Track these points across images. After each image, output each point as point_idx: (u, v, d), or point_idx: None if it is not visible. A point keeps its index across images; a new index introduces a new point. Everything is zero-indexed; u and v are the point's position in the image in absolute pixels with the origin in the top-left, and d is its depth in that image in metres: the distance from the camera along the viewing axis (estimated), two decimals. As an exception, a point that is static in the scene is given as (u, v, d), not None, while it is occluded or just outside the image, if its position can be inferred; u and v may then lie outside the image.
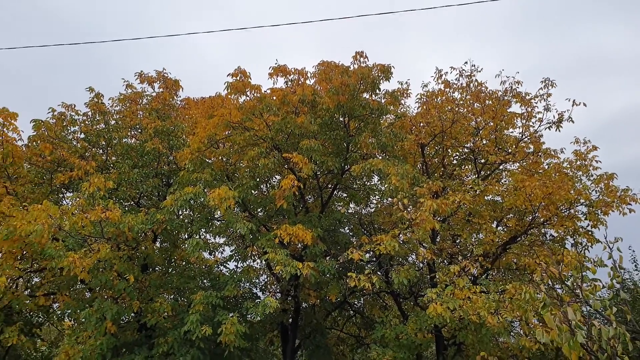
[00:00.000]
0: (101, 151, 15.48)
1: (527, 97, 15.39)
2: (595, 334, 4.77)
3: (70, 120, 14.64)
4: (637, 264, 17.74)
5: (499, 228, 15.35)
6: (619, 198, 13.11)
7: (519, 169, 15.56)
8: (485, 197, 14.77)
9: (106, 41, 10.83)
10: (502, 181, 16.33)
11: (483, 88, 15.95)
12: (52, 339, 17.74)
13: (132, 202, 15.32)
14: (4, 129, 13.17)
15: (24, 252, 14.04)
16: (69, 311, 14.49)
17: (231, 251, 15.77)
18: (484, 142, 15.62)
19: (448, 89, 16.08)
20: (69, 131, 14.91)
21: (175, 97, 16.66)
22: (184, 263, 15.81)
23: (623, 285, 17.46)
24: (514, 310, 11.27)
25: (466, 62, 16.12)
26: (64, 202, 15.39)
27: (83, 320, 13.48)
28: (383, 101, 14.57)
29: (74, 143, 14.86)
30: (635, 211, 13.05)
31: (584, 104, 14.35)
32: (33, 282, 15.25)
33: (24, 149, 14.32)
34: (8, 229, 12.23)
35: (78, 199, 12.47)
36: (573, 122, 15.03)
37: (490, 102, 15.61)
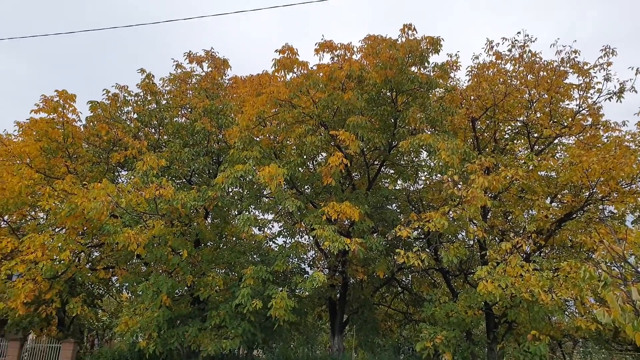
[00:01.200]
0: (153, 130, 16.00)
1: (585, 67, 14.57)
2: None
3: (124, 101, 15.18)
4: None
5: (553, 204, 14.87)
6: (687, 173, 12.41)
7: (576, 143, 14.92)
8: (539, 173, 14.31)
9: (158, 22, 11.09)
10: (557, 156, 15.71)
11: (537, 59, 15.20)
12: (111, 310, 18.89)
13: (184, 180, 15.82)
14: (64, 111, 13.85)
15: (85, 228, 14.89)
16: (127, 284, 15.36)
17: (280, 227, 16.12)
18: (538, 115, 15.02)
19: (500, 61, 15.44)
20: (123, 111, 15.49)
21: (223, 76, 16.89)
22: (234, 239, 16.28)
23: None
24: (569, 289, 11.02)
25: (519, 32, 15.41)
26: (120, 180, 16.12)
27: (140, 293, 14.25)
28: (432, 74, 14.20)
29: (128, 123, 15.44)
30: None
31: (649, 72, 13.50)
32: (93, 256, 16.20)
33: (82, 129, 15.03)
34: (70, 206, 12.99)
35: (133, 177, 13.04)
36: (637, 92, 14.22)
37: (545, 73, 14.90)
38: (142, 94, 15.58)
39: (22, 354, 16.08)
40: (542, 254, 15.10)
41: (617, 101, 14.48)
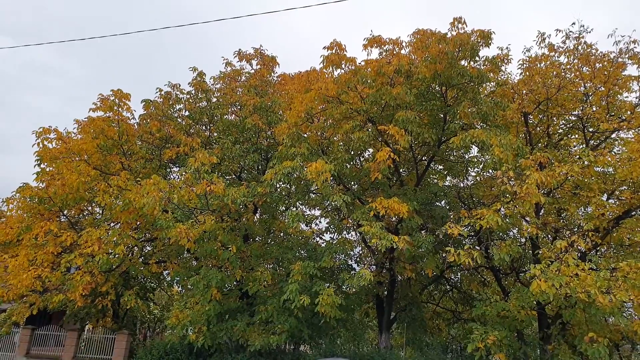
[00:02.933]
0: (204, 128, 16.49)
1: (647, 58, 14.10)
2: None
3: (176, 98, 15.69)
4: None
5: (610, 201, 14.43)
6: None
7: (635, 137, 14.39)
8: (595, 169, 13.90)
9: (209, 21, 11.46)
10: (615, 151, 15.20)
11: (593, 50, 14.72)
12: (162, 304, 19.60)
13: (234, 176, 16.21)
14: (119, 109, 14.48)
15: (138, 223, 15.50)
16: (178, 278, 15.88)
17: (326, 223, 16.28)
18: (594, 108, 14.53)
19: (553, 53, 15.05)
20: (175, 109, 16.02)
21: (272, 74, 17.21)
22: (282, 234, 16.56)
23: None
24: (628, 290, 10.68)
25: (574, 23, 14.95)
26: (171, 176, 16.68)
27: (190, 287, 14.71)
28: (482, 68, 14.01)
29: (179, 120, 15.97)
30: None
31: None
32: (146, 251, 16.85)
33: (136, 127, 15.66)
34: (124, 201, 13.54)
35: (185, 174, 13.48)
36: (702, 83, 13.61)
37: (601, 65, 14.40)
38: (193, 91, 16.05)
39: (80, 344, 16.94)
40: (598, 253, 14.65)
41: (680, 93, 13.92)
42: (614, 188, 14.21)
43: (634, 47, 14.15)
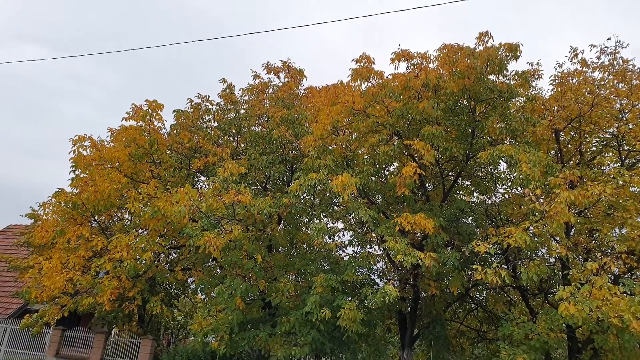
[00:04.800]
0: (232, 138, 16.88)
1: (687, 74, 13.68)
2: None
3: (206, 110, 16.16)
4: None
5: (646, 223, 13.94)
6: None
7: (673, 157, 13.97)
8: (631, 189, 13.50)
9: (242, 34, 11.80)
10: (652, 170, 14.74)
11: (630, 66, 14.37)
12: (186, 311, 19.98)
13: (259, 187, 16.50)
14: (151, 119, 14.98)
15: (166, 230, 15.93)
16: (202, 286, 16.18)
17: (350, 236, 16.32)
18: (630, 126, 14.14)
19: (586, 69, 14.77)
20: (204, 120, 16.49)
21: (299, 86, 17.52)
22: (304, 246, 16.70)
23: None
24: (664, 316, 10.27)
25: (609, 38, 14.70)
26: (198, 185, 17.09)
27: (214, 295, 14.94)
28: (512, 83, 13.88)
29: (208, 131, 16.40)
30: None
31: None
32: (172, 258, 17.28)
33: (166, 136, 16.15)
34: (153, 209, 13.93)
35: (213, 183, 13.78)
36: None
37: (638, 81, 14.11)
38: (222, 103, 16.50)
39: (107, 347, 17.42)
40: (633, 277, 14.16)
41: None
42: (651, 209, 13.72)
43: (674, 63, 13.75)
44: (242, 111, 16.71)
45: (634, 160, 14.56)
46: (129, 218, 17.31)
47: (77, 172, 15.64)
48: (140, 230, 15.97)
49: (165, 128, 15.83)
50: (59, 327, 18.20)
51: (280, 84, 17.28)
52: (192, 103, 16.10)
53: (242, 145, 16.83)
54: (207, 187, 14.44)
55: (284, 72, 17.29)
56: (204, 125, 16.57)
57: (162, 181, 15.46)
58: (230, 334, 13.95)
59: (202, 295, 16.90)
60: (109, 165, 15.30)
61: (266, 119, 16.71)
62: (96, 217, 16.44)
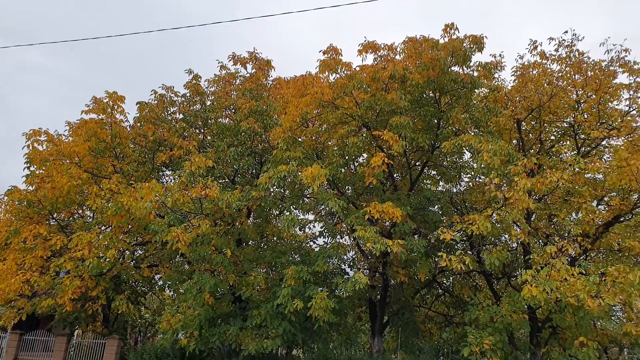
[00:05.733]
0: (198, 131, 16.80)
1: (636, 66, 14.71)
2: None
3: (170, 101, 16.00)
4: None
5: (599, 207, 15.03)
6: None
7: (624, 145, 15.03)
8: (586, 175, 14.50)
9: (205, 24, 11.79)
10: (605, 158, 15.85)
11: (585, 58, 15.31)
12: (154, 308, 19.83)
13: (228, 180, 16.55)
14: (113, 111, 14.74)
15: (130, 227, 15.75)
16: (170, 282, 16.17)
17: (320, 228, 16.68)
18: (586, 116, 15.14)
19: (545, 61, 15.62)
20: (169, 112, 16.32)
21: (267, 77, 17.60)
22: (275, 238, 16.92)
23: None
24: (617, 294, 11.21)
25: (566, 32, 15.55)
26: (164, 179, 16.96)
27: (182, 291, 14.99)
28: (475, 74, 14.55)
29: (173, 123, 16.26)
30: None
31: None
32: (137, 255, 17.11)
33: (129, 129, 15.91)
34: (116, 205, 13.78)
35: (179, 177, 13.76)
36: (690, 92, 14.28)
37: (593, 73, 14.99)
38: (188, 94, 16.38)
39: (69, 349, 17.11)
40: (588, 258, 15.25)
41: (669, 101, 14.57)
42: (604, 194, 14.82)
43: (625, 55, 14.79)
44: (209, 103, 16.68)
45: (589, 148, 15.59)
46: (91, 215, 17.00)
47: (32, 169, 15.20)
48: (103, 227, 15.75)
49: (128, 121, 15.64)
50: (16, 332, 17.73)
51: (248, 75, 17.35)
52: (157, 95, 15.93)
53: (209, 137, 16.82)
54: (173, 181, 14.37)
55: (251, 62, 17.35)
56: (169, 118, 16.42)
57: (126, 176, 15.28)
58: (200, 330, 14.09)
59: (171, 291, 16.87)
60: (67, 161, 14.97)
61: (234, 111, 16.75)
62: (55, 215, 16.06)
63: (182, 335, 14.73)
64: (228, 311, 15.36)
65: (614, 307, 13.93)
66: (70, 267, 14.32)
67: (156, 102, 15.89)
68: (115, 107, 14.66)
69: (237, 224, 15.19)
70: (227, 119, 16.97)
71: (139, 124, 15.86)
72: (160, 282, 16.92)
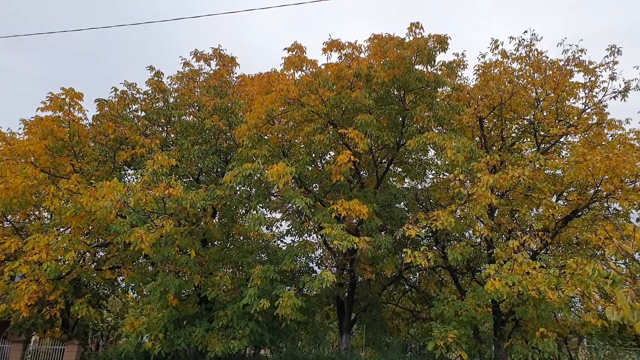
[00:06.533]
0: (161, 129, 16.59)
1: (591, 66, 15.39)
2: None
3: (132, 98, 15.72)
4: None
5: (559, 202, 15.67)
6: (690, 170, 13.18)
7: (581, 141, 15.73)
8: (546, 171, 15.09)
9: (166, 20, 11.67)
10: (563, 154, 16.53)
11: (544, 58, 15.98)
12: (117, 311, 19.43)
13: (192, 179, 16.41)
14: (71, 109, 14.38)
15: (91, 228, 15.40)
16: (133, 284, 15.90)
17: (288, 226, 16.75)
18: (545, 113, 15.78)
19: (506, 60, 16.20)
20: (130, 110, 16.04)
21: (231, 74, 17.54)
22: (241, 238, 16.88)
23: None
24: (576, 286, 11.75)
25: (526, 31, 16.22)
26: (126, 179, 16.65)
27: (146, 293, 14.77)
28: (439, 73, 14.96)
29: (135, 121, 15.99)
30: None
31: (654, 72, 14.32)
32: (98, 257, 16.74)
33: (89, 127, 15.56)
34: (75, 205, 13.46)
35: (142, 176, 13.56)
36: (641, 90, 15.04)
37: (551, 72, 15.66)
38: (150, 91, 16.13)
39: (25, 356, 16.59)
40: (548, 252, 15.87)
41: (622, 100, 15.31)
42: (563, 190, 15.49)
43: (580, 55, 15.47)
44: (172, 100, 16.49)
45: (548, 145, 16.25)
46: (49, 216, 16.52)
47: (-18, 169, 14.61)
48: (61, 229, 15.34)
49: (87, 119, 15.31)
50: (-33, 340, 17.05)
51: (212, 71, 17.25)
52: (117, 92, 15.62)
53: (173, 135, 16.65)
54: (136, 180, 14.15)
55: (215, 59, 17.28)
56: (131, 115, 16.14)
57: (85, 175, 14.95)
58: (165, 332, 13.96)
59: (134, 293, 16.59)
60: (22, 160, 14.50)
61: (198, 108, 16.65)
62: (9, 217, 15.53)
63: (147, 338, 14.54)
64: (194, 312, 15.26)
65: (573, 299, 14.55)
66: (26, 270, 13.88)
67: (117, 99, 15.60)
68: (73, 104, 14.32)
69: (202, 223, 15.11)
70: (191, 116, 16.86)
71: (98, 122, 15.54)
72: (123, 284, 16.60)
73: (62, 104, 14.36)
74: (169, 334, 14.15)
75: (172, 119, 16.09)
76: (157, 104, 16.14)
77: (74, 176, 14.30)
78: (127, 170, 16.99)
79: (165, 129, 16.59)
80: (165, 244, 14.20)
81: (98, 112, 15.43)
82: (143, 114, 16.16)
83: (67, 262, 14.21)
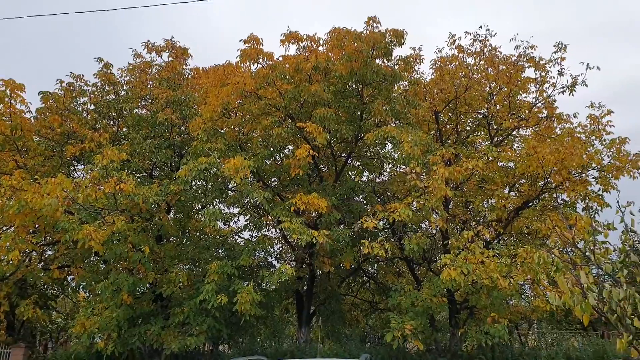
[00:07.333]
0: (112, 122, 16.13)
1: (541, 62, 16.02)
2: (606, 296, 5.07)
3: (80, 91, 15.21)
4: (647, 227, 19.01)
5: (511, 193, 16.34)
6: (631, 162, 14.04)
7: (532, 135, 16.42)
8: (498, 163, 15.69)
9: (115, 9, 11.35)
10: (515, 147, 17.21)
11: (497, 53, 16.52)
12: (67, 311, 18.83)
13: (145, 174, 16.08)
14: (12, 101, 13.75)
15: (37, 226, 14.85)
16: (84, 283, 15.50)
17: (246, 221, 16.71)
18: (498, 107, 16.39)
19: (462, 55, 16.65)
20: (78, 102, 15.50)
21: (185, 66, 17.22)
22: (198, 233, 16.73)
23: (633, 248, 18.66)
24: (525, 273, 12.36)
25: (480, 27, 16.62)
26: (76, 174, 16.12)
27: (99, 292, 14.45)
28: (396, 67, 15.23)
29: (84, 115, 15.48)
30: (646, 175, 14.01)
31: (598, 68, 15.00)
32: (46, 256, 16.17)
33: (33, 121, 14.93)
34: (19, 203, 12.95)
35: (91, 172, 13.18)
36: (587, 85, 15.76)
37: (504, 67, 16.23)
38: (99, 84, 15.66)
39: (-33, 361, 15.93)
40: (500, 241, 16.55)
41: (569, 94, 16.05)
42: (515, 181, 16.17)
43: (532, 51, 16.09)
44: (123, 93, 16.05)
45: (501, 138, 16.88)
46: (-11, 215, 15.76)
47: None
48: (4, 228, 14.70)
49: (30, 112, 14.68)
50: None
51: (164, 63, 16.87)
52: (63, 84, 15.05)
53: (124, 129, 16.22)
54: (85, 176, 13.74)
55: (167, 51, 16.93)
56: (79, 109, 15.60)
57: (30, 171, 14.39)
58: (119, 332, 13.74)
59: (86, 293, 16.16)
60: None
61: (150, 101, 16.31)
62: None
63: (99, 338, 14.23)
64: (149, 310, 15.08)
65: (524, 286, 15.27)
66: (-35, 273, 13.28)
67: (63, 92, 15.04)
68: (14, 96, 13.71)
69: (156, 219, 14.87)
70: (144, 109, 16.51)
71: (44, 115, 14.94)
72: (74, 284, 16.14)
73: (2, 95, 13.73)
74: (123, 332, 13.96)
75: (124, 112, 15.70)
76: (107, 97, 15.68)
77: (17, 172, 13.77)
78: (76, 166, 16.46)
79: (116, 122, 16.17)
80: (117, 241, 13.90)
81: (43, 105, 14.84)
82: (92, 107, 15.67)
83: (10, 262, 13.68)
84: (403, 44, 14.67)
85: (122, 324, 13.79)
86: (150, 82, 16.46)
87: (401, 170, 16.97)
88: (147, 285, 14.91)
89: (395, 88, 15.80)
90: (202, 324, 13.94)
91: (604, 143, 14.99)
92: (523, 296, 16.10)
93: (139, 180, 14.95)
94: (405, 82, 16.07)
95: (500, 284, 11.91)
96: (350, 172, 17.49)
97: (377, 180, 18.14)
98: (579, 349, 15.49)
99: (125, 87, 16.27)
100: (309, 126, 13.01)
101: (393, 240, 15.44)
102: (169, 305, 14.93)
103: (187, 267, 15.78)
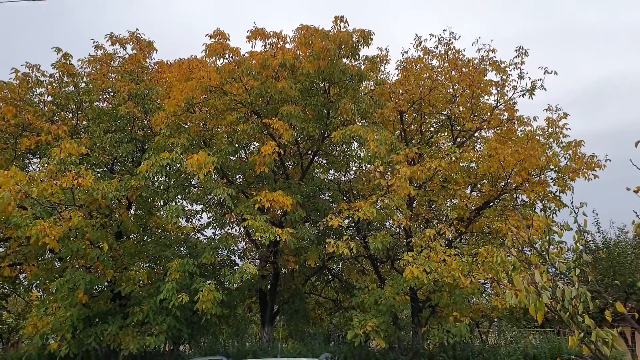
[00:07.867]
0: (71, 115, 15.64)
1: (502, 65, 16.53)
2: (559, 295, 5.17)
3: (36, 81, 14.68)
4: (600, 227, 19.99)
5: (473, 193, 16.76)
6: (585, 164, 14.65)
7: (494, 136, 16.89)
8: (461, 164, 16.06)
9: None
10: (477, 148, 17.66)
11: (461, 56, 16.95)
12: (18, 311, 18.09)
13: (105, 169, 15.67)
14: (-38, 91, 13.13)
15: (-14, 221, 14.22)
16: (38, 282, 14.94)
17: (209, 218, 16.50)
18: (461, 109, 16.78)
19: (427, 56, 16.98)
20: (35, 94, 14.96)
21: (149, 59, 16.88)
22: (159, 231, 16.42)
23: (586, 248, 19.49)
24: (486, 272, 12.70)
25: (445, 30, 17.06)
26: (31, 168, 15.54)
27: (53, 291, 13.95)
28: (363, 67, 15.39)
29: (41, 106, 14.94)
30: (599, 177, 14.65)
31: (555, 73, 15.59)
32: (-3, 252, 15.50)
33: (-16, 112, 14.28)
34: (-32, 197, 12.39)
35: (47, 165, 12.73)
36: (545, 89, 16.36)
37: (467, 69, 16.65)
38: (57, 75, 15.14)
39: None
40: (462, 240, 16.94)
41: (529, 98, 16.59)
42: (476, 182, 16.59)
43: (493, 55, 16.55)
44: (83, 85, 15.58)
45: (463, 139, 17.30)
46: None
47: None
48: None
49: (-19, 102, 13.99)
50: None
51: (127, 56, 16.48)
52: (19, 74, 14.48)
53: (84, 122, 15.75)
54: (41, 169, 13.25)
55: (131, 43, 16.54)
56: (35, 100, 15.04)
57: (-19, 164, 13.75)
58: (74, 332, 13.33)
59: (39, 291, 15.58)
60: None
61: (112, 94, 15.92)
62: None
63: (52, 339, 13.74)
64: (106, 309, 14.72)
65: (484, 285, 15.67)
66: None
67: (18, 82, 14.47)
68: (-35, 85, 13.08)
69: (116, 215, 14.51)
70: (105, 102, 16.09)
71: (-5, 106, 14.32)
72: (26, 282, 15.52)
73: (-48, 85, 13.08)
74: (78, 333, 13.57)
75: (83, 104, 15.25)
76: (66, 89, 15.19)
77: (-34, 164, 13.15)
78: (31, 159, 15.88)
79: (76, 115, 15.68)
80: (74, 237, 13.48)
81: (-5, 96, 14.24)
82: (50, 98, 15.15)
83: (-43, 261, 13.07)
84: (370, 44, 14.83)
85: (77, 324, 13.38)
86: (112, 75, 16.06)
87: (366, 169, 17.17)
88: (105, 283, 14.53)
89: (362, 87, 15.98)
90: (162, 323, 13.71)
91: (561, 145, 15.61)
92: (484, 294, 16.51)
93: (98, 175, 14.54)
94: (372, 82, 16.25)
95: (462, 282, 12.20)
96: (316, 170, 17.57)
97: (343, 178, 18.30)
98: (536, 346, 16.01)
99: (85, 79, 15.82)
100: (275, 123, 12.98)
101: (358, 238, 15.56)
102: (128, 304, 14.61)
103: (147, 265, 15.47)
